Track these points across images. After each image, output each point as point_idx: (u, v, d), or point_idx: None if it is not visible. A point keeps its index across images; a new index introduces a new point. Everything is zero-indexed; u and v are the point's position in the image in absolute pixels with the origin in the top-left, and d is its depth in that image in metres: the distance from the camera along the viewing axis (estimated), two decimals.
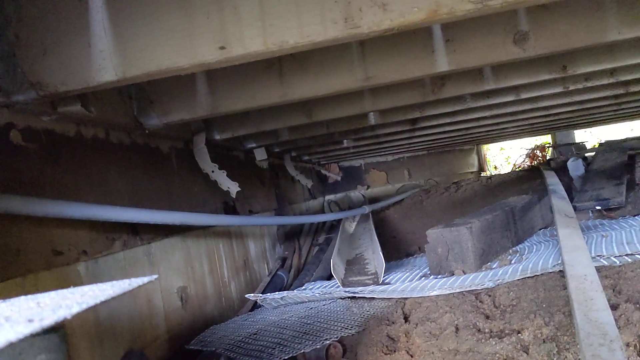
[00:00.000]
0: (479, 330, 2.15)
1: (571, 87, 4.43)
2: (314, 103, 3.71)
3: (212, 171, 3.69)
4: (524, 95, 4.56)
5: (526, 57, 2.75)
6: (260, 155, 5.17)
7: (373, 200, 9.37)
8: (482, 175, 11.46)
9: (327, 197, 10.06)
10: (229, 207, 4.49)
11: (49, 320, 0.70)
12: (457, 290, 2.62)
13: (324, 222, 7.22)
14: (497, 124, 6.68)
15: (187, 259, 3.54)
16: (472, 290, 2.63)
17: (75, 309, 0.76)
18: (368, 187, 10.88)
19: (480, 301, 2.48)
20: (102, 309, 2.50)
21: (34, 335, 0.95)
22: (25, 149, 2.14)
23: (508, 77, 3.67)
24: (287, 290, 4.12)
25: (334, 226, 7.18)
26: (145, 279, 1.00)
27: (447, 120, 5.44)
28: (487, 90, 3.84)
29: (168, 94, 2.85)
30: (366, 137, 6.05)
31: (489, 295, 2.52)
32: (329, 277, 4.35)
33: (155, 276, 1.03)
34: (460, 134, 7.20)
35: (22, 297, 1.01)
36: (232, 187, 3.76)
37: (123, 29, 1.83)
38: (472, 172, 11.70)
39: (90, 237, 2.48)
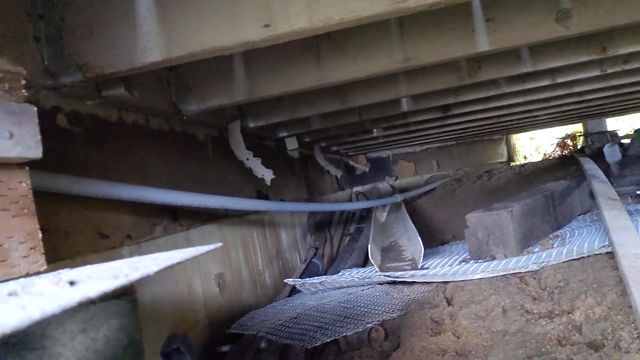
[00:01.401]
0: (527, 312, 2.11)
1: (609, 70, 4.32)
2: (349, 88, 3.69)
3: (247, 159, 3.69)
4: (559, 79, 4.47)
5: (568, 35, 2.68)
6: (292, 144, 5.17)
7: (402, 191, 9.30)
8: (511, 164, 11.30)
9: (355, 189, 10.02)
10: (262, 196, 4.49)
11: (134, 275, 0.69)
12: (501, 274, 2.58)
13: (354, 213, 7.19)
14: (529, 111, 6.57)
15: (224, 246, 3.56)
16: (516, 273, 2.58)
17: (154, 268, 0.76)
18: (396, 178, 10.81)
19: (525, 284, 2.44)
20: (146, 293, 2.52)
21: (104, 300, 0.96)
22: (71, 132, 2.16)
23: (546, 59, 3.59)
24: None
25: (363, 217, 7.15)
26: (211, 246, 0.99)
27: (480, 107, 5.36)
28: (524, 73, 3.76)
29: (206, 80, 2.85)
30: (397, 125, 6.00)
31: (534, 278, 2.48)
32: (364, 265, 4.33)
33: (220, 244, 1.03)
34: (491, 122, 7.10)
35: (92, 265, 1.01)
36: (267, 175, 3.76)
37: (167, 9, 1.84)
38: (501, 162, 11.54)
39: (134, 221, 2.50)
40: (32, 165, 1.33)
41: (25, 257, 1.25)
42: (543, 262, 2.58)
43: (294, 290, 3.48)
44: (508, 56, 3.55)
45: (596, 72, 4.33)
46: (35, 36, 1.85)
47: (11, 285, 0.78)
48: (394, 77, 3.62)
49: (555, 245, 3.02)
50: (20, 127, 1.22)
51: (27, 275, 1.26)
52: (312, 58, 2.76)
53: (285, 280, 3.29)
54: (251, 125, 3.88)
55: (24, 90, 1.27)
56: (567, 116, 8.27)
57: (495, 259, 2.91)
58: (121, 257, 2.39)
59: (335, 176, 7.79)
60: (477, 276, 2.60)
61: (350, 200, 9.42)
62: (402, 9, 1.72)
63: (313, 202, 6.21)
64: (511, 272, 2.58)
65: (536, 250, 3.00)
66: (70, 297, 0.62)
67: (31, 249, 1.28)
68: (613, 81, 4.98)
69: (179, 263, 0.86)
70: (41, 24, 1.86)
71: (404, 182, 10.74)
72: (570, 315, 1.98)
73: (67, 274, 0.83)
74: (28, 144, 1.24)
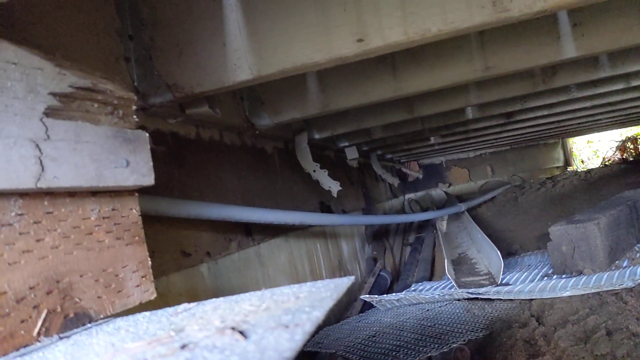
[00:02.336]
0: (633, 334, 1.98)
1: None
2: (417, 98, 3.61)
3: (314, 170, 3.65)
4: (634, 83, 4.27)
5: None
6: (352, 154, 5.11)
7: (456, 198, 9.10)
8: (568, 169, 10.94)
9: (407, 196, 9.88)
10: (325, 207, 4.45)
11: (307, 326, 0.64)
12: (594, 290, 2.44)
13: (412, 224, 7.07)
14: (593, 115, 6.32)
15: (291, 259, 3.53)
16: (610, 290, 2.44)
17: (317, 314, 0.70)
18: (449, 184, 10.61)
19: (624, 302, 2.30)
20: None
21: None
22: (155, 151, 2.15)
23: (626, 63, 3.43)
24: (389, 291, 4.04)
25: (421, 226, 7.02)
26: (349, 280, 0.93)
27: (545, 112, 5.18)
28: (600, 78, 3.60)
29: (279, 95, 2.83)
30: (456, 132, 5.88)
31: (632, 296, 2.34)
32: (430, 278, 4.22)
33: (353, 277, 0.97)
34: (551, 127, 6.87)
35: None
36: (334, 187, 3.72)
37: (257, 26, 1.80)
38: (557, 167, 11.20)
39: (212, 238, 2.49)
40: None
41: (137, 286, 1.23)
42: (638, 278, 2.44)
43: (365, 305, 3.41)
44: (586, 62, 3.40)
45: None
46: (125, 57, 1.85)
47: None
48: (464, 86, 3.51)
49: None
50: (135, 155, 1.20)
51: (140, 304, 1.23)
52: (388, 69, 2.70)
53: (362, 297, 3.22)
54: (316, 137, 3.84)
55: (135, 116, 1.25)
56: (630, 118, 7.94)
57: (582, 274, 2.77)
58: (200, 274, 2.38)
59: (390, 184, 7.69)
60: (567, 293, 2.47)
61: (403, 207, 9.29)
62: (505, 19, 1.64)
63: (370, 211, 6.13)
64: (605, 289, 2.44)
65: (625, 264, 2.84)
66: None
67: (142, 277, 1.26)
68: None
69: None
70: (131, 45, 1.86)
71: (457, 189, 10.53)
72: None
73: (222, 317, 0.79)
74: (142, 171, 1.21)
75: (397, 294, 2.97)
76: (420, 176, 10.29)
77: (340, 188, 3.80)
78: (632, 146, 11.59)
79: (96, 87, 1.11)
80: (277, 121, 2.87)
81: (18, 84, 0.94)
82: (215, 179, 2.67)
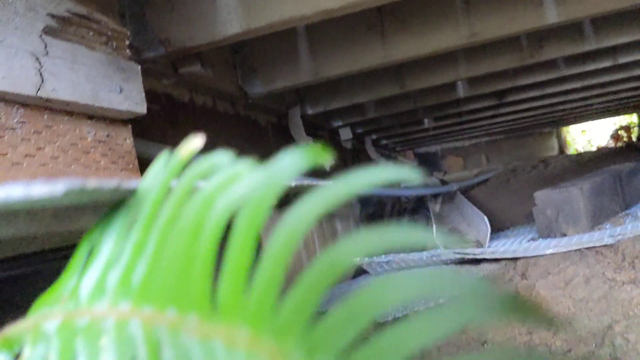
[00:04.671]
0: (609, 279, 2.06)
1: None
2: (407, 70, 3.69)
3: (307, 144, 3.72)
4: (621, 60, 4.35)
5: (637, 4, 2.63)
6: (346, 134, 5.19)
7: None
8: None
9: (402, 185, 9.96)
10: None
11: None
12: (575, 248, 2.53)
13: (405, 207, 7.15)
14: (585, 98, 6.40)
15: None
16: (591, 247, 2.53)
17: None
18: (445, 173, 10.69)
19: (602, 256, 2.38)
20: None
21: None
22: (149, 109, 2.23)
23: (610, 34, 3.50)
24: None
25: (415, 210, 7.11)
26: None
27: (536, 93, 5.27)
28: (586, 51, 3.68)
29: (271, 62, 2.90)
30: (449, 115, 5.97)
31: (611, 251, 2.42)
32: None
33: None
34: (544, 111, 6.96)
35: None
36: (327, 161, 3.79)
37: None
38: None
39: None
40: None
41: None
42: (618, 235, 2.53)
43: (356, 274, 3.50)
44: (571, 32, 3.48)
45: None
46: (120, 13, 1.92)
47: None
48: (453, 58, 3.59)
49: (627, 222, 2.95)
50: (128, 83, 1.28)
51: None
52: (377, 36, 2.78)
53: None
54: (309, 111, 3.92)
55: (128, 50, 1.33)
56: (623, 104, 8.03)
57: (566, 235, 2.85)
58: None
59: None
60: (550, 251, 2.56)
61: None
62: None
63: (366, 195, 6.21)
64: (585, 246, 2.52)
65: (607, 227, 2.93)
66: None
67: None
68: None
69: None
70: (126, 1, 1.94)
71: (453, 177, 10.61)
72: None
73: None
74: (135, 99, 1.29)
75: (387, 256, 3.06)
76: (416, 164, 10.37)
77: (333, 162, 3.87)
78: (625, 134, 11.68)
79: (92, 15, 1.19)
80: (270, 89, 2.94)
81: (19, 1, 1.01)
82: (209, 144, 2.74)
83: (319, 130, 5.02)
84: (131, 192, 0.44)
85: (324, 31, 2.79)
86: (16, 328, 0.43)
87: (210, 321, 0.34)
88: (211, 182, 0.39)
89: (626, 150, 7.06)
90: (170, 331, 0.35)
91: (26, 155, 1.01)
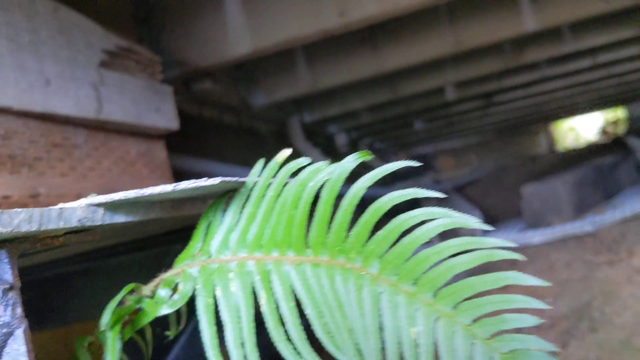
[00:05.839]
0: (588, 262, 2.29)
1: None
2: (398, 77, 3.91)
3: (306, 150, 3.94)
4: (600, 59, 4.58)
5: (610, 10, 2.86)
6: (341, 140, 5.41)
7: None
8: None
9: (397, 186, 10.19)
10: None
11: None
12: (559, 236, 2.76)
13: (399, 206, 7.37)
14: (570, 96, 6.64)
15: None
16: (573, 235, 2.75)
17: None
18: (437, 173, 10.94)
19: (583, 242, 2.61)
20: None
21: None
22: None
23: (587, 36, 3.74)
24: None
25: (409, 208, 7.32)
26: None
27: (522, 93, 5.49)
28: (566, 53, 3.92)
29: (272, 75, 3.12)
30: (439, 116, 6.19)
31: (591, 238, 2.65)
32: None
33: None
34: (531, 110, 7.19)
35: None
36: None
37: (254, 5, 2.10)
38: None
39: None
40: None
41: None
42: (598, 223, 2.75)
43: None
44: (550, 36, 3.71)
45: (636, 50, 4.44)
46: (139, 38, 2.14)
47: None
48: (441, 65, 3.82)
49: (606, 211, 3.18)
50: (163, 104, 1.49)
51: None
52: (369, 48, 3.00)
53: None
54: (307, 119, 4.14)
55: (161, 74, 1.54)
56: (607, 100, 8.28)
57: (551, 225, 3.08)
58: None
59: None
60: (537, 239, 2.78)
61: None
62: None
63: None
64: (568, 234, 2.75)
65: (589, 216, 3.16)
66: None
67: None
68: None
69: None
70: (144, 28, 2.16)
71: (445, 177, 10.87)
72: (630, 261, 2.16)
73: None
74: (169, 117, 1.51)
75: None
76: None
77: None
78: (612, 130, 11.96)
79: (132, 47, 1.41)
80: (272, 100, 3.16)
81: (80, 41, 1.23)
82: (217, 154, 2.96)
83: (317, 136, 5.24)
84: (242, 184, 0.66)
85: (320, 45, 3.01)
86: (168, 274, 0.65)
87: (303, 254, 0.56)
88: (304, 172, 0.62)
89: (613, 144, 7.31)
90: (275, 264, 0.57)
91: (90, 169, 1.22)
